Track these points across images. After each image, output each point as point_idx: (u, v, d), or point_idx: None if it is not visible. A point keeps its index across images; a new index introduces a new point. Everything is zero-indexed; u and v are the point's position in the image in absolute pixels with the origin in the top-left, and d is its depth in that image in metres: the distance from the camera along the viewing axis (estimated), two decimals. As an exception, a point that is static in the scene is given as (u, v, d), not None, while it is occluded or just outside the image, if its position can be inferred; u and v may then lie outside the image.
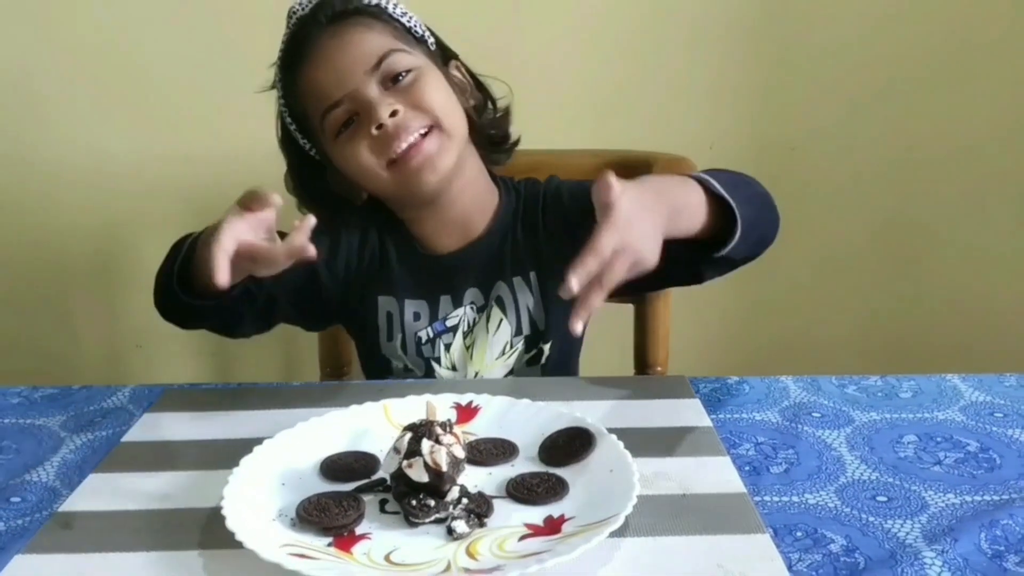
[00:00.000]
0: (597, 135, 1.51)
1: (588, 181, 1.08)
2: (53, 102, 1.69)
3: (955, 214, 1.80)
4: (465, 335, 1.07)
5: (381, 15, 1.03)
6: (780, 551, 0.66)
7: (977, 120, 1.75)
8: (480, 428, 0.83)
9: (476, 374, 1.07)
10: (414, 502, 0.69)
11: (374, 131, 0.98)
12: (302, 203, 1.11)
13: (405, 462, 0.69)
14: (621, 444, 0.76)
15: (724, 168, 1.00)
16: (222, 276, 0.78)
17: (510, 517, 0.70)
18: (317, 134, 1.04)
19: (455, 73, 1.09)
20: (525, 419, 0.83)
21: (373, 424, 0.83)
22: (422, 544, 0.67)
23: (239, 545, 0.64)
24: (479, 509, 0.70)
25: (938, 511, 0.72)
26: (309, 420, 0.82)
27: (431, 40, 1.08)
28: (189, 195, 1.72)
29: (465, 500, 0.70)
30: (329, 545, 0.67)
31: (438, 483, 0.69)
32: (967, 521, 0.70)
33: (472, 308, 1.07)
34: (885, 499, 0.74)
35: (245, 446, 0.77)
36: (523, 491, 0.72)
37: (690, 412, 0.89)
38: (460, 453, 0.71)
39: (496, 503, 0.71)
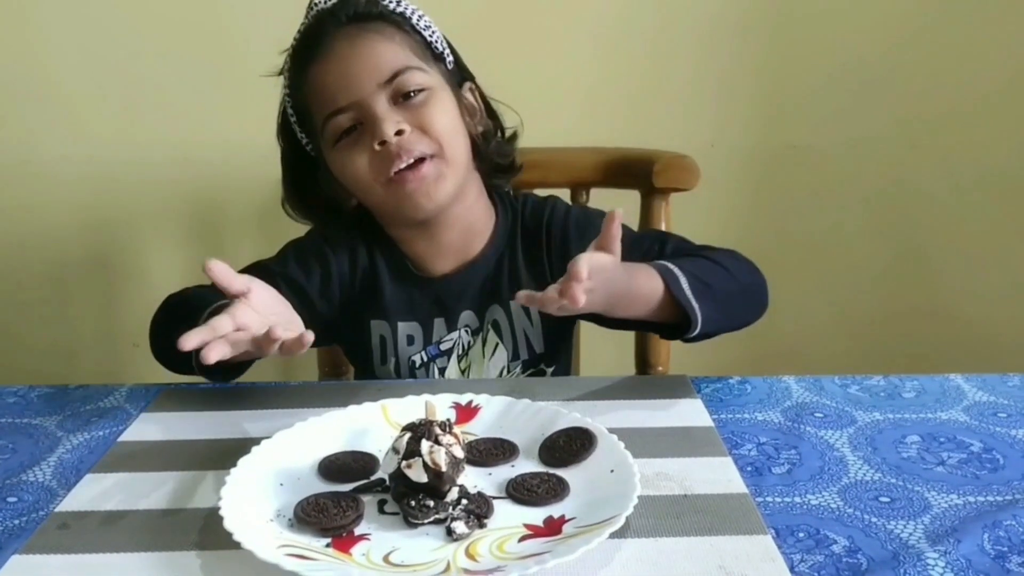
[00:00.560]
0: (597, 133, 1.50)
1: (593, 213, 1.08)
2: (52, 102, 1.68)
3: (958, 214, 1.80)
4: (460, 359, 1.05)
5: (403, 25, 1.00)
6: (782, 552, 0.65)
7: (979, 120, 1.75)
8: (480, 428, 0.83)
9: None
10: (413, 503, 0.68)
11: (376, 146, 0.96)
12: (289, 202, 1.09)
13: (404, 462, 0.69)
14: (622, 444, 0.75)
15: (713, 247, 1.00)
16: (212, 355, 0.76)
17: (510, 518, 0.69)
18: (317, 133, 1.02)
19: (467, 96, 1.07)
20: (525, 419, 0.83)
21: (372, 424, 0.82)
22: (421, 545, 0.66)
23: (237, 545, 0.63)
24: (479, 510, 0.69)
25: (941, 512, 0.72)
26: (307, 420, 0.81)
27: (450, 59, 1.05)
28: (187, 195, 1.72)
29: (465, 501, 0.70)
30: (327, 546, 0.66)
31: (437, 483, 0.68)
32: (970, 522, 0.70)
33: (467, 331, 1.06)
34: (888, 500, 0.73)
35: (243, 446, 0.76)
36: (523, 492, 0.72)
37: (691, 412, 0.88)
38: (460, 453, 0.70)
39: (496, 504, 0.71)
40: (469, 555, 0.65)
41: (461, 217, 1.04)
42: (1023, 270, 1.82)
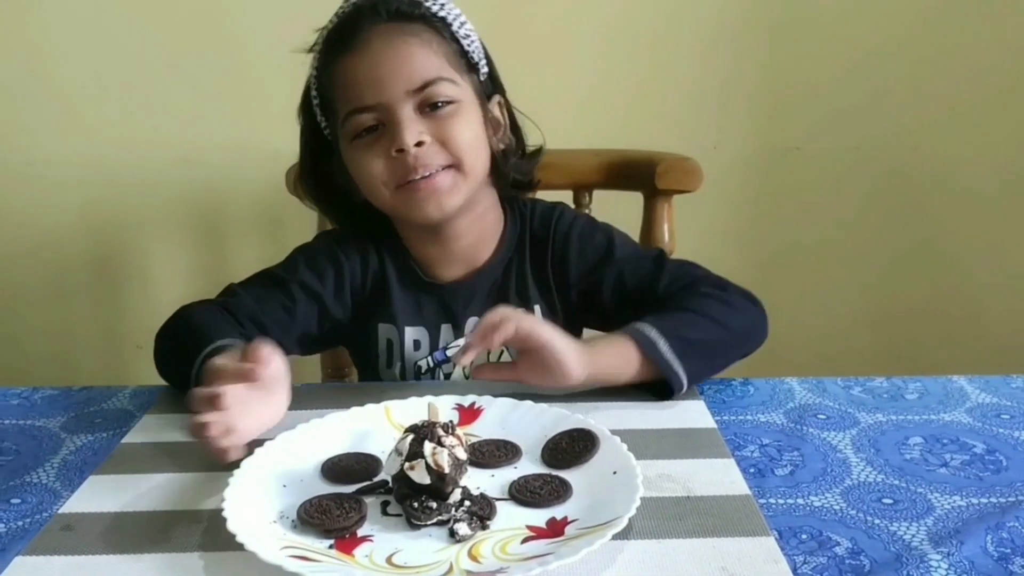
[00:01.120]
0: (599, 134, 1.50)
1: (599, 227, 1.07)
2: (53, 102, 1.69)
3: (959, 214, 1.80)
4: (465, 367, 1.05)
5: (443, 31, 0.98)
6: (785, 554, 0.65)
7: (980, 122, 1.75)
8: (482, 430, 0.82)
9: None
10: (416, 504, 0.68)
11: (394, 152, 0.95)
12: (303, 181, 1.08)
13: (407, 464, 0.69)
14: (624, 446, 0.75)
15: (708, 281, 0.99)
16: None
17: (513, 519, 0.69)
18: (337, 122, 1.00)
19: (494, 110, 1.05)
20: (528, 420, 0.83)
21: (374, 425, 0.82)
22: (424, 546, 0.66)
23: (240, 547, 0.63)
24: (482, 511, 0.69)
25: (944, 513, 0.71)
26: (310, 421, 0.81)
27: (484, 70, 1.03)
28: (190, 197, 1.72)
29: (467, 502, 0.70)
30: (330, 547, 0.66)
31: (440, 485, 0.68)
32: (973, 523, 0.70)
33: None
34: (891, 501, 0.73)
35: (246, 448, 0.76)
36: (526, 493, 0.72)
37: (694, 413, 0.88)
38: (462, 455, 0.70)
39: (499, 505, 0.71)
40: (472, 557, 0.65)
41: (471, 227, 1.04)
42: (1025, 271, 1.82)
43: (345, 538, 0.67)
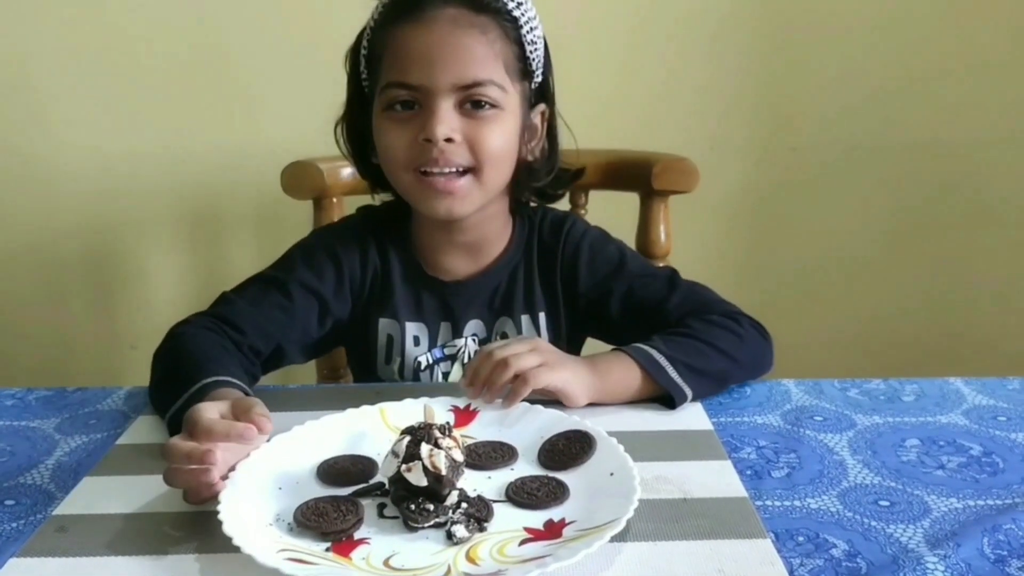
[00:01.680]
0: (597, 135, 1.50)
1: (612, 243, 1.07)
2: (50, 102, 1.68)
3: (958, 215, 1.80)
4: (465, 367, 1.04)
5: (510, 32, 0.96)
6: (781, 556, 0.65)
7: (980, 120, 1.75)
8: (479, 431, 0.82)
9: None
10: (413, 506, 0.68)
11: (421, 138, 0.94)
12: (343, 124, 1.05)
13: (404, 466, 0.69)
14: (621, 448, 0.75)
15: (716, 308, 0.99)
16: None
17: (510, 521, 0.69)
18: (376, 85, 0.98)
19: (534, 118, 1.03)
20: (524, 422, 0.82)
21: (370, 428, 0.82)
22: (421, 549, 0.66)
23: (236, 550, 0.63)
24: (479, 513, 0.69)
25: (941, 516, 0.71)
26: (305, 423, 0.81)
27: (539, 79, 1.01)
28: (186, 196, 1.71)
29: (464, 504, 0.69)
30: (327, 550, 0.66)
31: (437, 487, 0.68)
32: (970, 526, 0.70)
33: (474, 340, 1.05)
34: (887, 503, 0.73)
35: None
36: (523, 495, 0.72)
37: (691, 415, 0.88)
38: (459, 457, 0.70)
39: (496, 507, 0.71)
40: (469, 559, 0.65)
41: (478, 224, 1.03)
42: (1023, 273, 1.82)
43: (342, 541, 0.67)
